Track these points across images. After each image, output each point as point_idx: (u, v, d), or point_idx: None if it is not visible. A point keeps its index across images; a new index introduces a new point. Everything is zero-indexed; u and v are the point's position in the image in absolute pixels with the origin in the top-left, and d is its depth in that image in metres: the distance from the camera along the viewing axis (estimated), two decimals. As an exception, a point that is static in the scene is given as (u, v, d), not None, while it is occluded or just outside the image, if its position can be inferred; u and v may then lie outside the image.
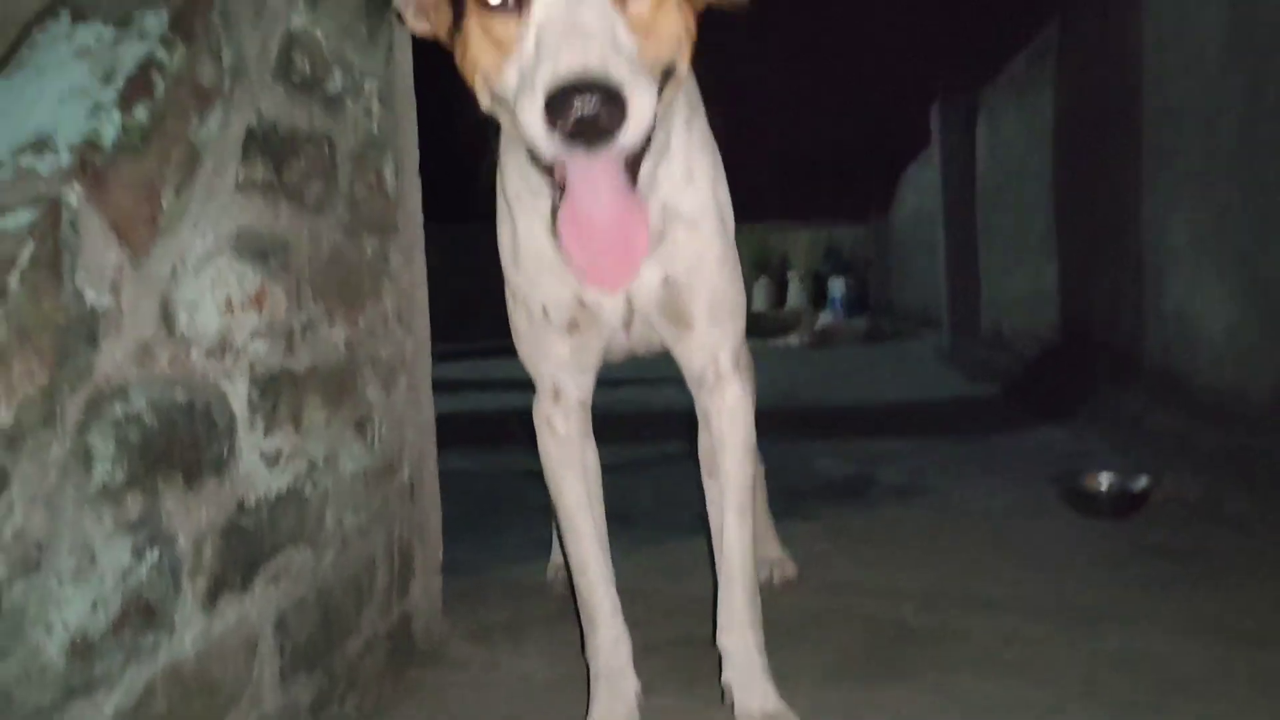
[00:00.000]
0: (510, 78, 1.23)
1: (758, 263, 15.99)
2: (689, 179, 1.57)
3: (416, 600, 2.01)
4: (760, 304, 17.45)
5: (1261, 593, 2.13)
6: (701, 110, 1.64)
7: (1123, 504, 2.82)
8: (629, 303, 1.58)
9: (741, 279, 1.67)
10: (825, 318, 11.58)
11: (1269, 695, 1.68)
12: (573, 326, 1.59)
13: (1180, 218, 3.74)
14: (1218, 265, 3.39)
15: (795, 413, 5.33)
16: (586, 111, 1.08)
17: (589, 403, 1.70)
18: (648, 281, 1.56)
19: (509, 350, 1.71)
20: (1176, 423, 3.35)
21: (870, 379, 7.12)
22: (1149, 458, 3.27)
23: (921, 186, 10.51)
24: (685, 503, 3.28)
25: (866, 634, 2.01)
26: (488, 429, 4.98)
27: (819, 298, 14.84)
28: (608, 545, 1.71)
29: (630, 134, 1.13)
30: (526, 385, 1.71)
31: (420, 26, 1.45)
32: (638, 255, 1.25)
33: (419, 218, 2.03)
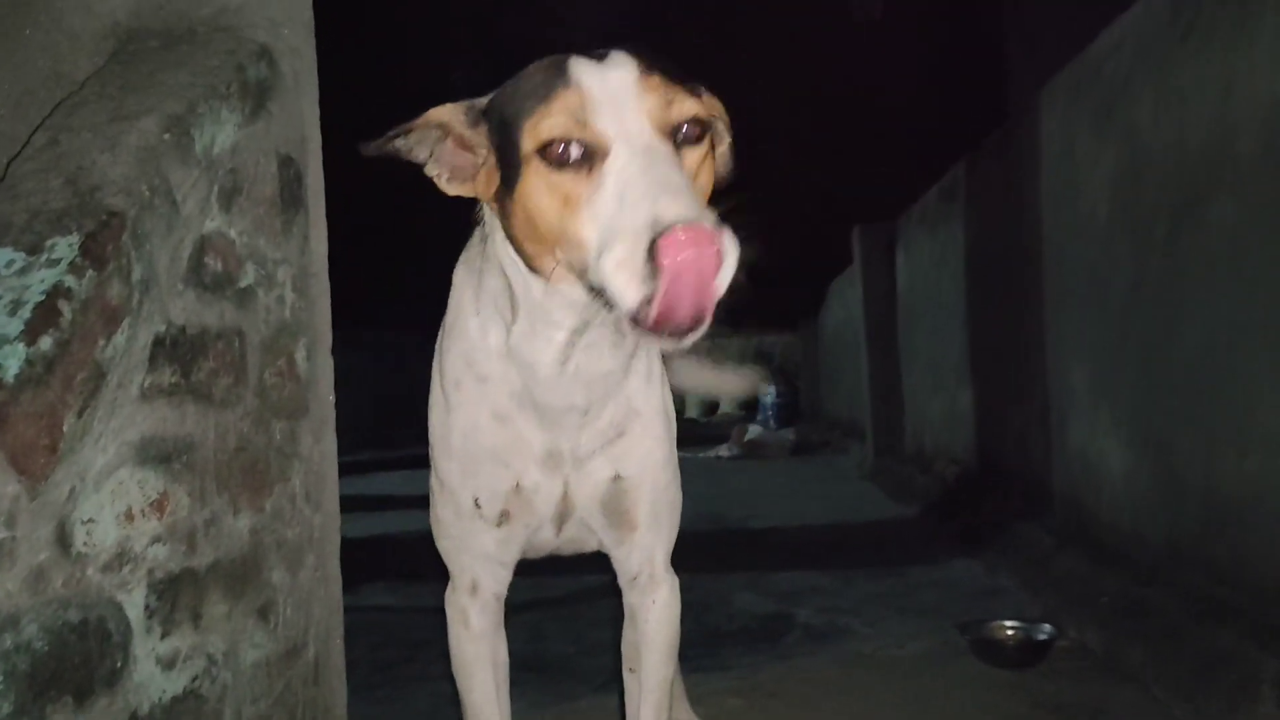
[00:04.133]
0: (584, 231, 1.21)
1: (690, 370, 16.13)
2: (649, 377, 1.58)
3: (319, 782, 1.99)
4: (693, 411, 17.60)
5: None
6: None
7: (1027, 654, 2.89)
8: (568, 498, 1.59)
9: (680, 482, 1.69)
10: (755, 429, 11.66)
11: None
12: (503, 517, 1.59)
13: (1079, 362, 3.90)
14: (1113, 414, 3.53)
15: (720, 538, 5.39)
16: (694, 239, 1.05)
17: (504, 596, 1.70)
18: (596, 478, 1.57)
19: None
20: (1081, 566, 3.45)
21: (795, 498, 7.19)
22: (1056, 601, 3.35)
23: (847, 299, 10.77)
24: (602, 648, 3.27)
25: (771, 809, 2.04)
26: (409, 556, 4.90)
27: (750, 405, 14.97)
28: None
29: (725, 279, 1.10)
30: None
31: (456, 190, 1.41)
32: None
33: (330, 396, 2.06)
